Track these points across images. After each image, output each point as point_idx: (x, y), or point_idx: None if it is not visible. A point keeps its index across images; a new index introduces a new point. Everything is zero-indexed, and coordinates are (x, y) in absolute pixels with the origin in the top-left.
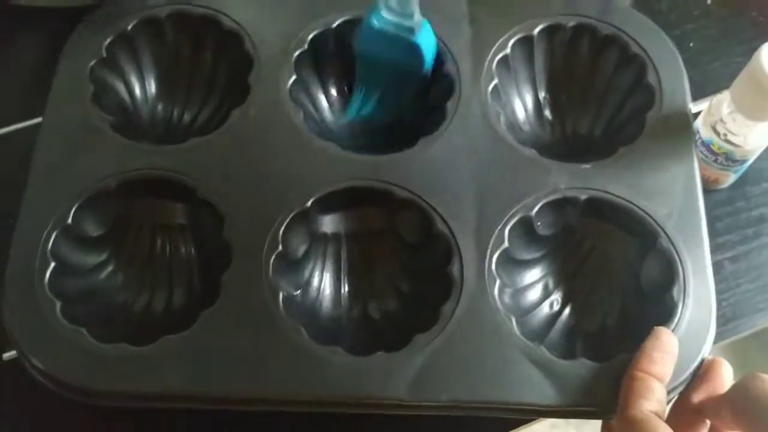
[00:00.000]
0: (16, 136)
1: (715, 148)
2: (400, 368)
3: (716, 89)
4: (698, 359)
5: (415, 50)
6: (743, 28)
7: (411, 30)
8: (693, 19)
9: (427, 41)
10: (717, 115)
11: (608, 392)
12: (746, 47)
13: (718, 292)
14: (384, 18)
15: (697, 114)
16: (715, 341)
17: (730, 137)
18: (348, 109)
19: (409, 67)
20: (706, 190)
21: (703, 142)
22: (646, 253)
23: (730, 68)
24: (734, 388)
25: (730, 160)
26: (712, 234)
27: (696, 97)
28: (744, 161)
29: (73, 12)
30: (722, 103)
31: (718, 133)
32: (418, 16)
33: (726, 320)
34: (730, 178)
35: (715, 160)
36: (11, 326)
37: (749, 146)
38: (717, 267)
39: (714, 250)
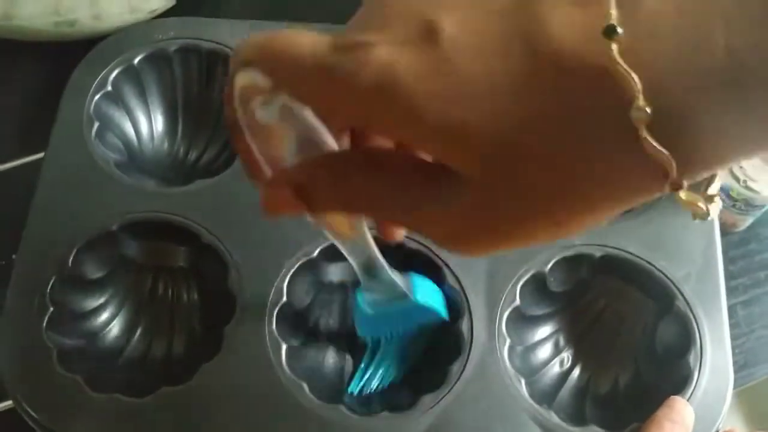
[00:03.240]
0: (13, 173)
1: (734, 194)
2: (404, 431)
3: None
4: (713, 431)
5: (420, 308)
6: None
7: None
8: None
9: (426, 292)
10: None
11: None
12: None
13: (731, 338)
14: (373, 298)
15: None
16: None
17: (750, 183)
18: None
19: (425, 322)
20: (721, 233)
21: (721, 188)
22: (661, 316)
23: None
24: None
25: (749, 205)
26: (725, 277)
27: None
28: (763, 206)
29: (72, 46)
30: None
31: (737, 179)
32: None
33: (739, 367)
34: (746, 222)
35: (734, 206)
36: (7, 372)
37: None
38: (730, 312)
39: (727, 294)
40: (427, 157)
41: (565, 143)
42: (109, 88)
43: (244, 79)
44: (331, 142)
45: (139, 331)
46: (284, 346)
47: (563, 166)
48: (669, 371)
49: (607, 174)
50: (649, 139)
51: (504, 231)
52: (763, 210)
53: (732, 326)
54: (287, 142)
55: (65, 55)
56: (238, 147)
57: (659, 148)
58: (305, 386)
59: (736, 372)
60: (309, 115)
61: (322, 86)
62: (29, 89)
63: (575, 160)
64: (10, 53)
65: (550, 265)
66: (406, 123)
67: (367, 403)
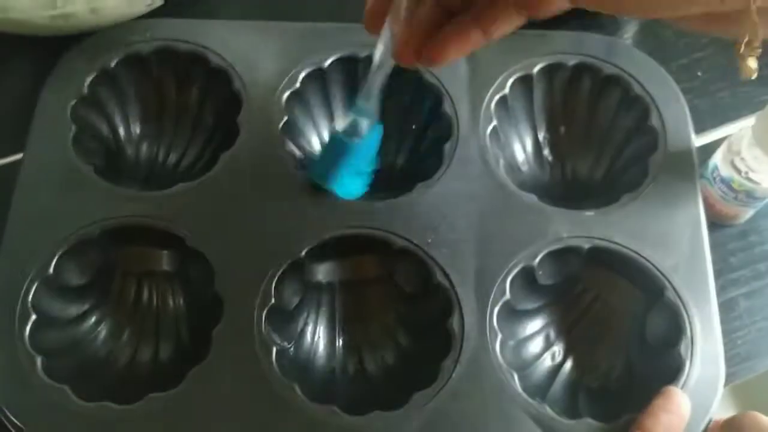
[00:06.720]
0: (4, 170)
1: (735, 186)
2: (397, 429)
3: (725, 119)
4: (705, 420)
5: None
6: None
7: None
8: (701, 47)
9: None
10: (737, 151)
11: None
12: (755, 76)
13: (733, 330)
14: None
15: (707, 145)
16: (729, 381)
17: (751, 175)
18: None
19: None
20: (722, 225)
21: (722, 180)
22: (651, 306)
23: (739, 98)
24: (726, 424)
25: (750, 197)
26: (726, 269)
27: (705, 127)
28: (764, 198)
29: (61, 40)
30: (743, 139)
31: (738, 171)
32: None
33: (741, 359)
34: (748, 214)
35: (735, 198)
36: None
37: None
38: (731, 304)
39: (728, 286)
40: None
41: None
42: (85, 92)
43: None
44: None
45: (125, 338)
46: (274, 348)
47: None
48: (660, 362)
49: None
50: None
51: None
52: (764, 202)
53: (734, 318)
54: None
55: (61, 50)
56: None
57: None
58: (296, 387)
59: (738, 364)
60: None
61: None
62: (23, 84)
63: None
64: (5, 47)
65: (538, 259)
66: None
67: None
